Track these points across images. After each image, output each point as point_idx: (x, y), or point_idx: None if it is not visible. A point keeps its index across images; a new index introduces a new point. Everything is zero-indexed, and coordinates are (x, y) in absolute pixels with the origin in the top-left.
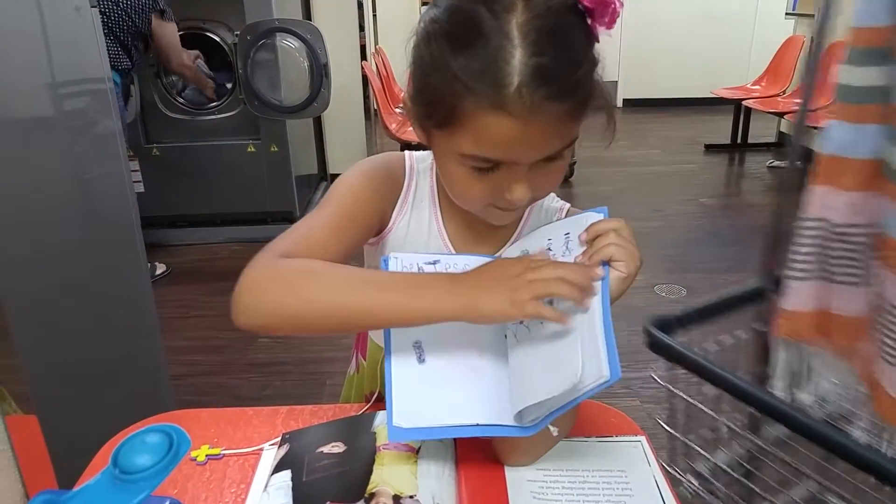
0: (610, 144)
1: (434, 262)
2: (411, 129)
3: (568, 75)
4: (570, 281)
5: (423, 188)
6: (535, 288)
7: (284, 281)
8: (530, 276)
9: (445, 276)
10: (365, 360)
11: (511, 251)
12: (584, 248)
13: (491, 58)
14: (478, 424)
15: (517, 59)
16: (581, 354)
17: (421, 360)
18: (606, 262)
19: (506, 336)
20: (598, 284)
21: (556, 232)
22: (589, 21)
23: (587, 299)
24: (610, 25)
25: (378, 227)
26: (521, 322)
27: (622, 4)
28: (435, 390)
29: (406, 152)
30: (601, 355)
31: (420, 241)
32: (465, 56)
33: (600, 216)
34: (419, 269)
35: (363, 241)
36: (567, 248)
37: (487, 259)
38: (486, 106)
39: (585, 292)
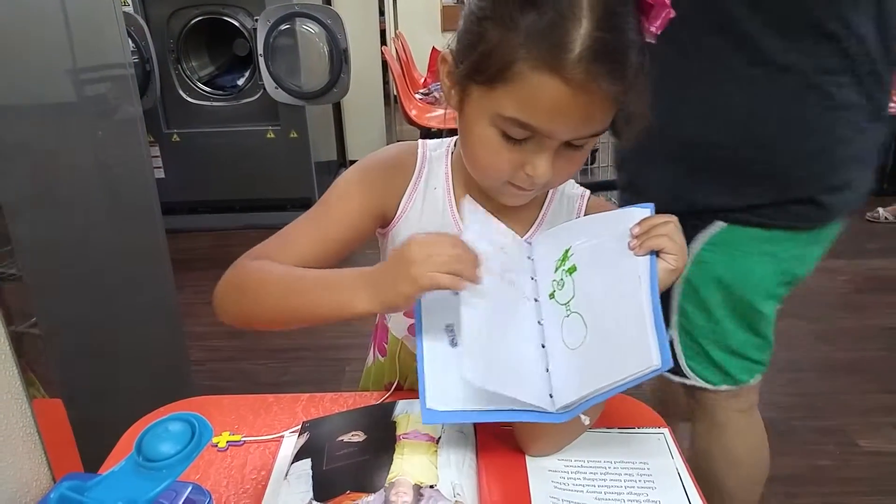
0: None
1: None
2: (431, 113)
3: (624, 59)
4: (452, 269)
5: (437, 174)
6: (428, 279)
7: (241, 286)
8: (414, 270)
9: (357, 273)
10: (383, 354)
11: (552, 240)
12: (634, 239)
13: (559, 20)
14: (512, 409)
15: (584, 28)
16: (630, 345)
17: (453, 343)
18: (655, 253)
19: (539, 322)
20: (644, 273)
21: (603, 224)
22: (642, 18)
23: (464, 282)
24: (659, 29)
25: (380, 220)
26: (565, 309)
27: (675, 14)
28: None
29: (420, 141)
30: (650, 343)
31: (434, 227)
32: (534, 13)
33: (647, 212)
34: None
35: (353, 238)
36: (617, 239)
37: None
38: (543, 67)
39: (465, 278)
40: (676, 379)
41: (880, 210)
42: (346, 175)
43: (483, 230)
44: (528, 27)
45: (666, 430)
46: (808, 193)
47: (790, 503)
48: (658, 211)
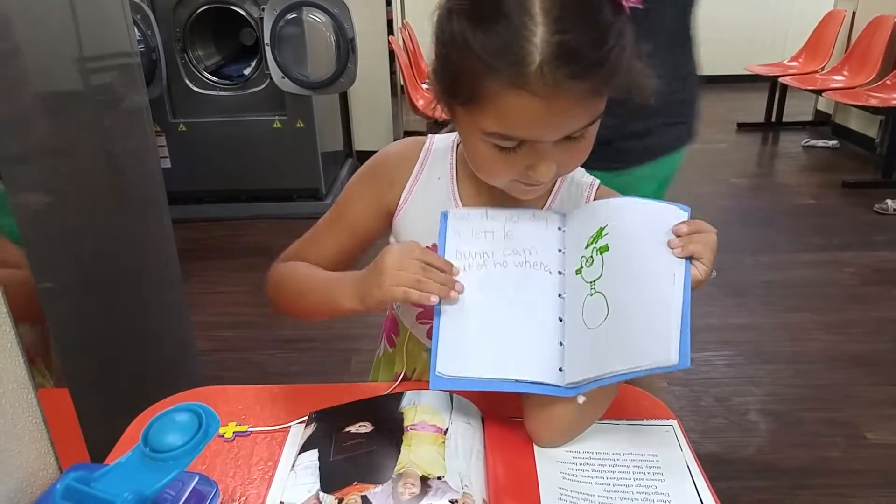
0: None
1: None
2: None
3: (591, 53)
4: (420, 286)
5: (441, 165)
6: (389, 291)
7: (276, 285)
8: (386, 281)
9: (349, 275)
10: (392, 345)
11: (588, 215)
12: (677, 238)
13: (512, 36)
14: (518, 380)
15: (539, 36)
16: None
17: (468, 312)
18: (689, 258)
19: (560, 295)
20: (680, 273)
21: (643, 211)
22: None
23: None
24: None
25: (389, 214)
26: (590, 287)
27: None
28: (480, 342)
29: (428, 136)
30: (672, 339)
31: (435, 217)
32: (486, 34)
33: (685, 215)
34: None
35: (366, 235)
36: (655, 230)
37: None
38: (507, 85)
39: (433, 293)
40: None
41: (889, 202)
42: (355, 175)
43: (467, 229)
44: (484, 47)
45: (675, 423)
46: (608, 139)
47: (798, 495)
48: None
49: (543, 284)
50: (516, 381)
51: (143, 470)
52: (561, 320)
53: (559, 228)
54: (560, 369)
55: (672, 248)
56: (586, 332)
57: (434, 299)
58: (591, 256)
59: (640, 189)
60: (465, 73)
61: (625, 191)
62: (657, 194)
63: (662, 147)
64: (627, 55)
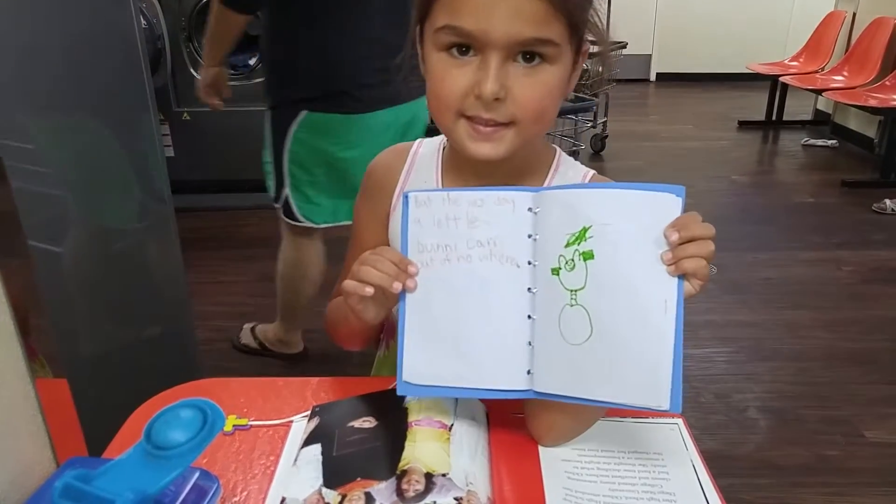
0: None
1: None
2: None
3: None
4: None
5: (427, 168)
6: (348, 298)
7: (327, 327)
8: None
9: None
10: (388, 347)
11: (569, 206)
12: (669, 252)
13: None
14: (485, 388)
15: None
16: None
17: (432, 313)
18: (682, 276)
19: (530, 289)
20: (671, 300)
21: (629, 205)
22: None
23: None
24: None
25: (388, 227)
26: (570, 296)
27: None
28: (443, 348)
29: (415, 141)
30: (663, 381)
31: None
32: None
33: (679, 201)
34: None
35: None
36: (644, 231)
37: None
38: None
39: (391, 283)
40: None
41: (887, 201)
42: (357, 197)
43: (428, 217)
44: None
45: (680, 421)
46: (343, 89)
47: (797, 492)
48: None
49: (511, 280)
50: (484, 389)
51: (145, 467)
52: (530, 317)
53: (529, 209)
54: (528, 371)
55: (665, 263)
56: (564, 347)
57: (369, 290)
58: (573, 260)
59: (382, 134)
60: None
61: (367, 133)
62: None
63: (396, 96)
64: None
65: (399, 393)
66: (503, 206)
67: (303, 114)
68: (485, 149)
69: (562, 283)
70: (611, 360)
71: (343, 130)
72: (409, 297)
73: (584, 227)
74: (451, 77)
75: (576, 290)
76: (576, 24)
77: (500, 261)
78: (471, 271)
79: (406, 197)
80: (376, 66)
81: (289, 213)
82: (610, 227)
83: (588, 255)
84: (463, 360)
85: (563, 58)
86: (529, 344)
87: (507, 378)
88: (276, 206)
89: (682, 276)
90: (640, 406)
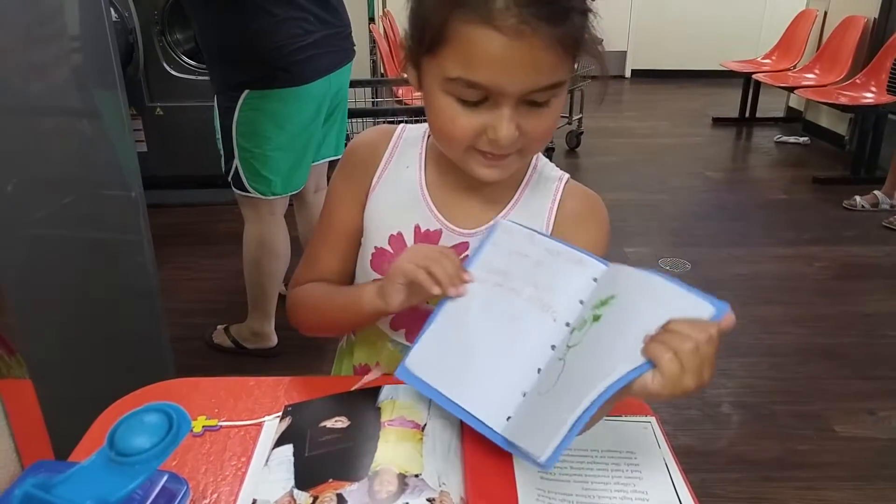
0: (602, 101)
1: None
2: (418, 92)
3: (558, 1)
4: (431, 274)
5: (410, 154)
6: (397, 277)
7: (293, 312)
8: (400, 264)
9: (373, 281)
10: (355, 333)
11: (615, 279)
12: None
13: None
14: (467, 411)
15: None
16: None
17: (460, 324)
18: (650, 361)
19: (553, 347)
20: (617, 373)
21: (659, 296)
22: None
23: (451, 288)
24: None
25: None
26: (565, 351)
27: None
28: (453, 358)
29: (400, 125)
30: (553, 438)
31: (404, 205)
32: None
33: (712, 310)
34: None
35: (358, 230)
36: (652, 318)
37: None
38: (474, 20)
39: (447, 285)
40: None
41: (857, 198)
42: (334, 173)
43: (506, 244)
44: None
45: (653, 419)
46: (279, 66)
47: (769, 486)
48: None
49: (541, 329)
50: (466, 410)
51: (108, 474)
52: (539, 371)
53: (594, 279)
54: (508, 418)
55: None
56: (534, 396)
57: (436, 290)
58: (585, 320)
59: (305, 106)
60: (434, 13)
61: (304, 103)
62: (323, 110)
63: (315, 70)
64: (591, 27)
65: (396, 374)
66: (575, 266)
67: (245, 93)
68: (495, 173)
69: (568, 337)
70: (540, 410)
71: (282, 103)
72: (451, 300)
73: (611, 295)
74: (462, 119)
75: (570, 347)
76: (580, 51)
77: (542, 308)
78: (512, 304)
79: (497, 224)
80: (307, 41)
81: (239, 184)
82: (633, 301)
83: (597, 318)
84: (463, 377)
85: (567, 81)
86: (524, 395)
87: (489, 413)
88: (228, 179)
89: (650, 363)
90: (523, 455)
